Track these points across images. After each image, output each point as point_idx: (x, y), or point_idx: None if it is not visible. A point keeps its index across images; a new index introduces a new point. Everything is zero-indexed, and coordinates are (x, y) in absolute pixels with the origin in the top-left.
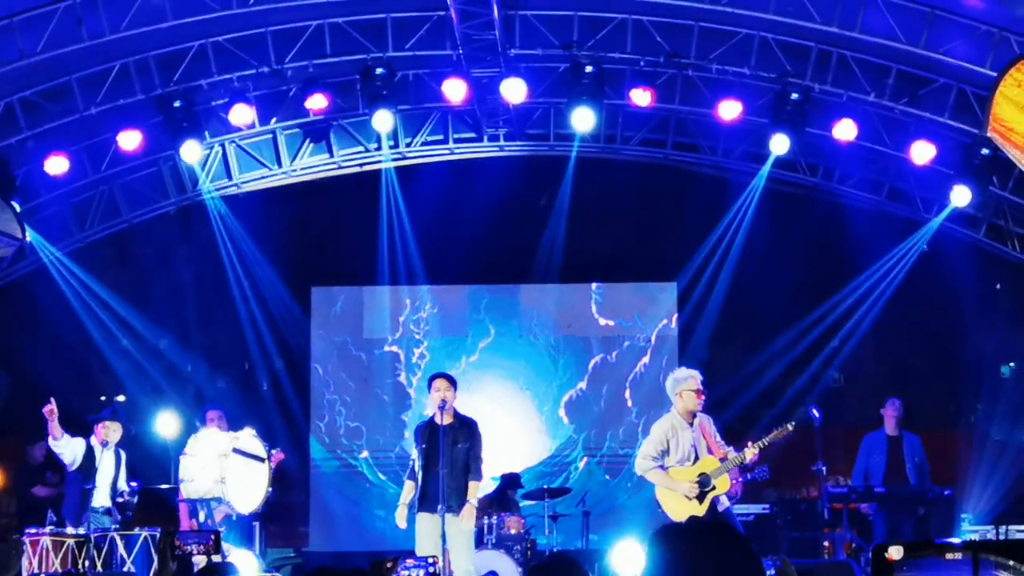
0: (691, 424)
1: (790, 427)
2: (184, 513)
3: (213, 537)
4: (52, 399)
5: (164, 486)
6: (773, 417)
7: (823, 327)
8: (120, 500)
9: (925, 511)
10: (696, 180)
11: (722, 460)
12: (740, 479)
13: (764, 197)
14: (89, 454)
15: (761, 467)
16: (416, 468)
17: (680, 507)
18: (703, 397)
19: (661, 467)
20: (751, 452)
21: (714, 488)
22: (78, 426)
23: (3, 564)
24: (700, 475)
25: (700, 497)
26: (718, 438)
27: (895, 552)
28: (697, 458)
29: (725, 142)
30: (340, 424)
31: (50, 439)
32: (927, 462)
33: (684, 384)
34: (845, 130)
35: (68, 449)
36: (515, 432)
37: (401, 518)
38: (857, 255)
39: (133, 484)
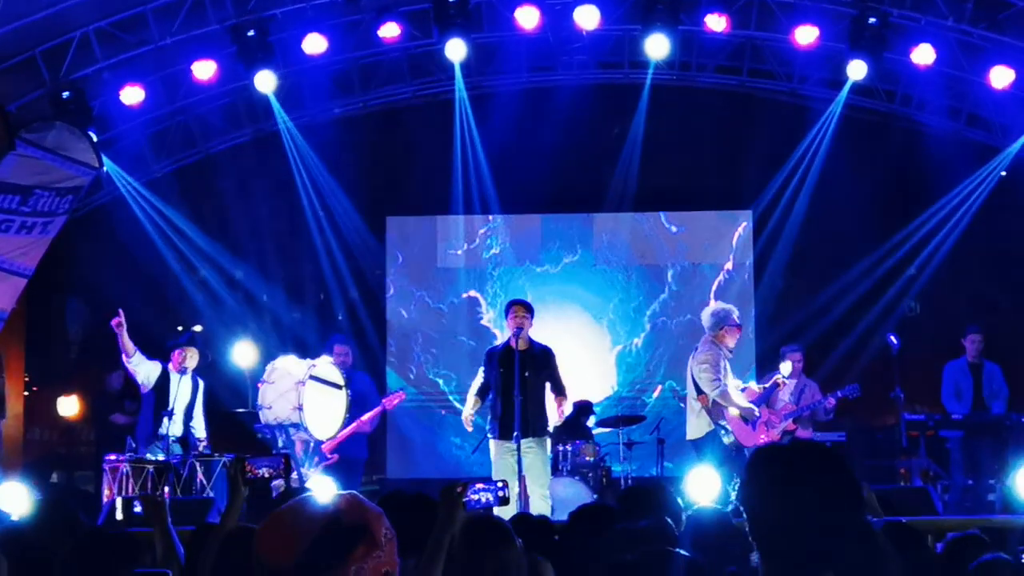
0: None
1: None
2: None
3: (284, 460)
4: (121, 311)
5: (241, 410)
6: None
7: (899, 255)
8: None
9: (1002, 438)
10: (772, 107)
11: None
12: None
13: (841, 124)
14: (164, 378)
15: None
16: (482, 388)
17: (746, 432)
18: (740, 332)
19: None
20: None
21: (759, 415)
22: (158, 353)
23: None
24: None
25: (754, 424)
26: None
27: None
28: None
29: (801, 68)
30: (416, 353)
31: (123, 357)
32: (1006, 388)
33: (727, 320)
34: (923, 55)
35: (142, 368)
36: (589, 362)
37: (468, 423)
38: (934, 182)
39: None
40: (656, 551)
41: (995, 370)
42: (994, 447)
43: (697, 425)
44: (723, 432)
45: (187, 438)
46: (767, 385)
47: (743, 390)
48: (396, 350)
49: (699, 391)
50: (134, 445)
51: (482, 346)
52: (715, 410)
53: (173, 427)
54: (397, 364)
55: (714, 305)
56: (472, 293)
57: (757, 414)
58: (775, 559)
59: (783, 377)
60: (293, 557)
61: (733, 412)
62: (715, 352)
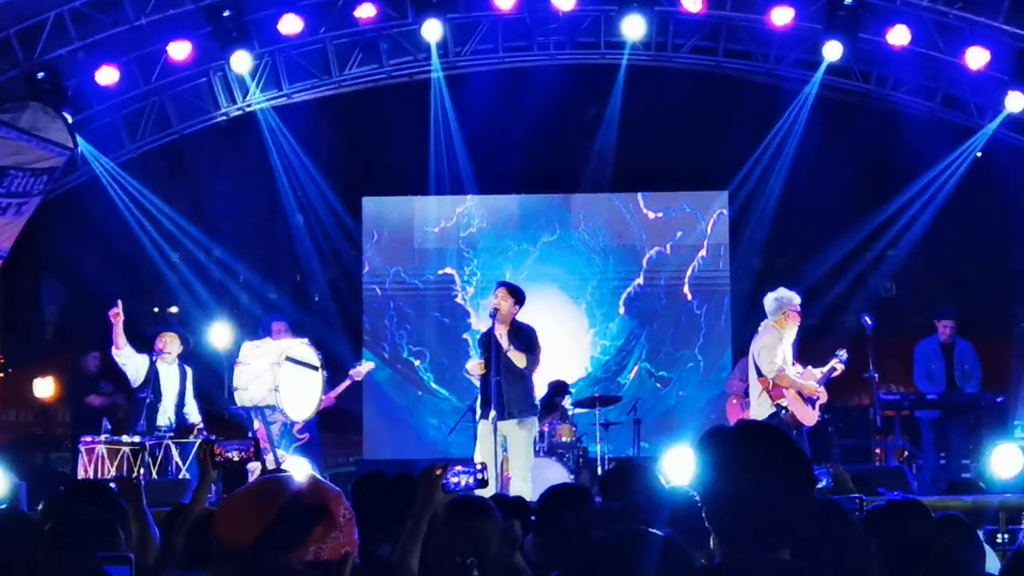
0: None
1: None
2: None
3: (253, 443)
4: (119, 302)
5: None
6: (824, 327)
7: (875, 235)
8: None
9: (975, 418)
10: (748, 88)
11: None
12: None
13: (816, 104)
14: (153, 370)
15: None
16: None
17: (806, 413)
18: (800, 319)
19: None
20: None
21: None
22: (137, 340)
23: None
24: None
25: (812, 403)
26: None
27: None
28: None
29: (777, 49)
30: (392, 332)
31: (113, 349)
32: (979, 368)
33: (789, 305)
34: (899, 36)
35: (131, 363)
36: (566, 342)
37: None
38: (910, 162)
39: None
40: (630, 529)
41: (967, 348)
42: (966, 427)
43: (759, 408)
44: (783, 412)
45: (180, 426)
46: (825, 370)
47: (801, 374)
48: (371, 328)
49: (759, 373)
50: (110, 427)
51: (456, 324)
52: (775, 391)
53: (163, 418)
54: (372, 343)
55: (777, 291)
56: (448, 270)
57: (820, 392)
58: (729, 539)
59: (839, 362)
60: (251, 537)
61: (791, 392)
62: (775, 336)
